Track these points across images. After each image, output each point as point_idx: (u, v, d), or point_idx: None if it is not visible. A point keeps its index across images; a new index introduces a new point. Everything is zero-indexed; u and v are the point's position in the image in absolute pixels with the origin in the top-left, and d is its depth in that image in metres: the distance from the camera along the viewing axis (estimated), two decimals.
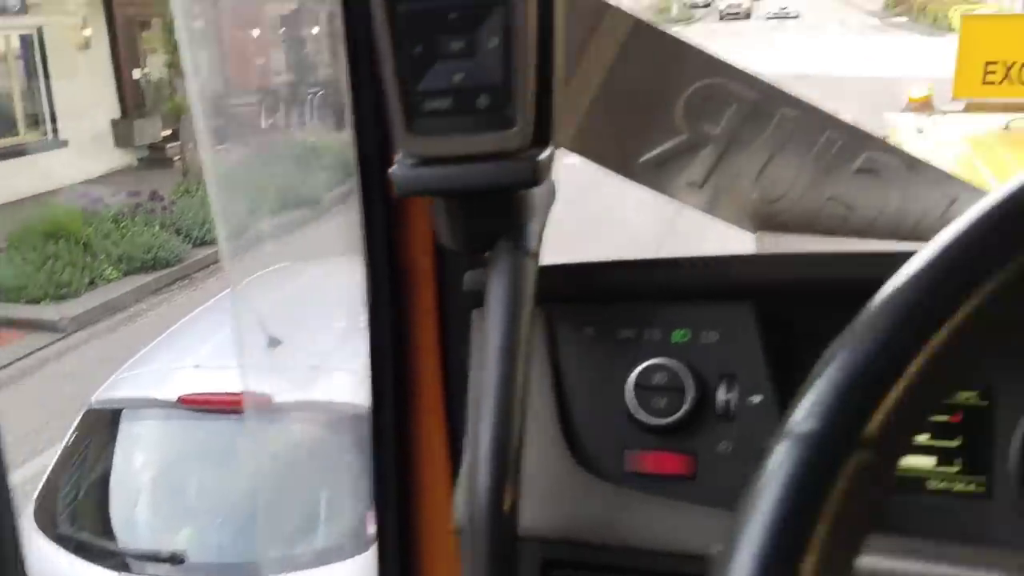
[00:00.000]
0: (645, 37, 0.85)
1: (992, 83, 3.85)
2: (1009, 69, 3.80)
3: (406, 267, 0.80)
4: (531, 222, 0.65)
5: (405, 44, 0.59)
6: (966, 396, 0.78)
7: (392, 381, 0.82)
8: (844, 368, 0.37)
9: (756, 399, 0.79)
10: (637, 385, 0.81)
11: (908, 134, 3.80)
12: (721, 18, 49.63)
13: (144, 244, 9.23)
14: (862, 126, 0.88)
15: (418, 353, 0.82)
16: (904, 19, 39.70)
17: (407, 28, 0.59)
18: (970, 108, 3.97)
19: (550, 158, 0.63)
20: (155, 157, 13.94)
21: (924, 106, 4.12)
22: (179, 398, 3.72)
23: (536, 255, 0.66)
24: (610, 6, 0.83)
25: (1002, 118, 3.91)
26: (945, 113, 4.07)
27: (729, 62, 0.86)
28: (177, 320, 4.88)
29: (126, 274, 9.02)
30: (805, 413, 0.36)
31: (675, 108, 0.85)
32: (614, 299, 0.85)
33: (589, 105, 0.85)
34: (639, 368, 0.82)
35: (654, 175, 0.88)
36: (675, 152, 0.87)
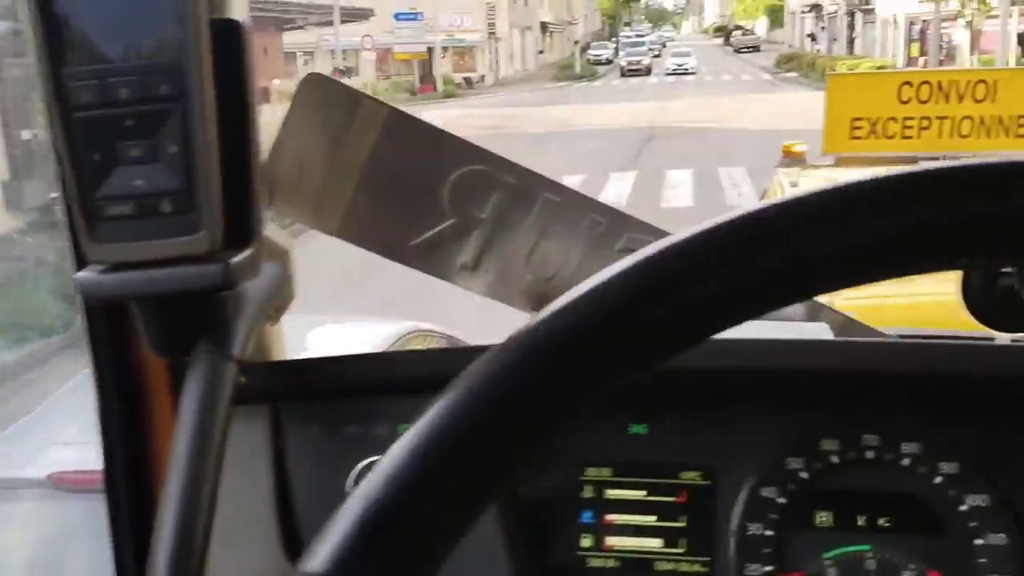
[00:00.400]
0: (402, 126, 0.86)
1: (859, 138, 4.00)
2: (874, 125, 3.96)
3: (139, 370, 0.76)
4: (234, 325, 0.63)
5: (83, 150, 0.58)
6: (690, 476, 0.79)
7: (129, 496, 0.78)
8: (354, 511, 0.36)
9: None
10: (355, 484, 0.79)
11: (786, 187, 3.92)
12: (623, 74, 51.17)
13: (27, 311, 8.87)
14: (621, 208, 0.90)
15: (158, 462, 0.78)
16: (795, 74, 41.52)
17: (84, 134, 0.58)
18: (840, 162, 4.12)
19: (250, 260, 0.61)
20: (44, 220, 13.53)
21: (798, 160, 4.26)
22: (49, 476, 3.54)
23: (238, 359, 0.64)
24: (365, 96, 0.84)
25: (870, 171, 4.06)
26: (817, 167, 4.22)
27: (488, 150, 0.87)
28: (59, 390, 4.68)
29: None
30: (312, 554, 0.36)
31: (440, 193, 0.86)
32: (343, 395, 0.83)
33: (352, 193, 0.86)
34: (360, 466, 0.80)
35: (426, 259, 0.88)
36: (445, 236, 0.87)
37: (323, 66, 34.05)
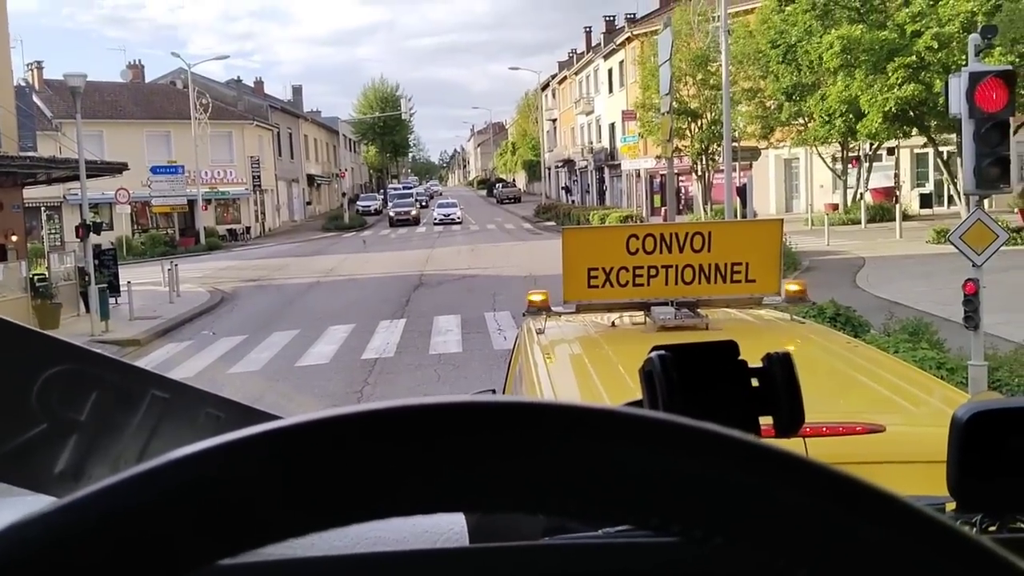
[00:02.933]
0: None
1: (596, 287, 4.19)
2: (608, 273, 4.17)
3: None
4: None
5: None
6: None
7: None
8: None
9: None
10: None
11: (533, 334, 4.01)
12: (392, 224, 52.18)
13: None
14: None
15: None
16: (552, 223, 44.02)
17: None
18: (581, 309, 4.29)
19: None
20: None
21: (542, 308, 4.39)
22: None
23: None
24: None
25: (609, 317, 4.26)
26: (560, 315, 4.36)
27: (86, 348, 0.79)
28: None
29: None
30: None
31: (27, 396, 0.76)
32: None
33: None
34: None
35: (16, 470, 0.77)
36: (35, 443, 0.76)
37: (70, 220, 32.31)
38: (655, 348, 0.65)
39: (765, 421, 0.69)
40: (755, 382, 0.67)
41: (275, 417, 0.86)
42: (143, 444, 0.80)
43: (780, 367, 0.66)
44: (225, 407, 0.81)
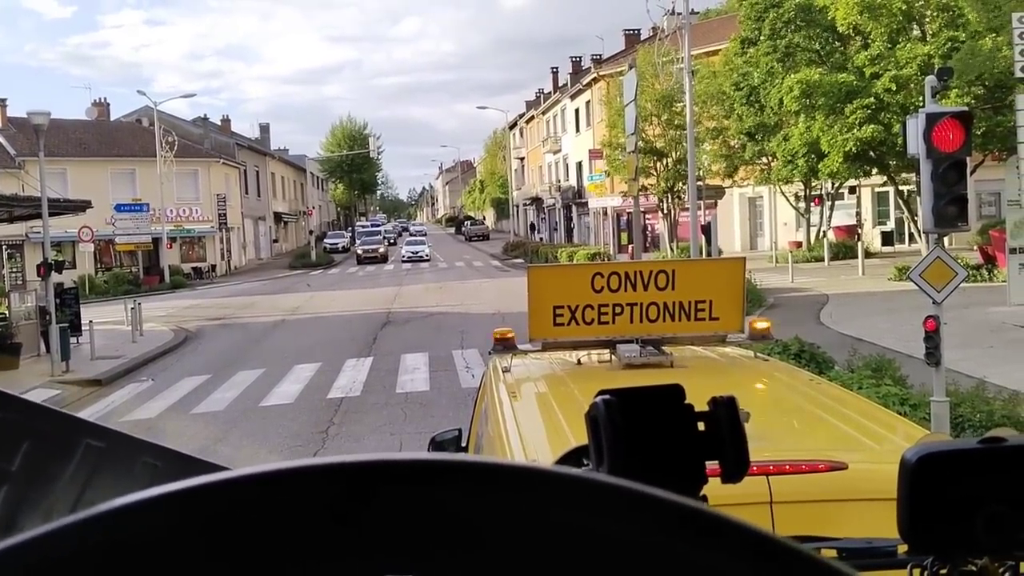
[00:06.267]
0: None
1: (562, 324, 4.18)
2: (574, 312, 4.17)
3: None
4: None
5: None
6: None
7: None
8: None
9: None
10: None
11: (500, 372, 3.99)
12: (360, 262, 52.00)
13: None
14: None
15: None
16: (521, 260, 44.10)
17: None
18: (547, 347, 4.27)
19: None
20: None
21: (509, 345, 4.38)
22: None
23: None
24: None
25: (575, 355, 4.25)
26: (526, 353, 4.35)
27: (16, 396, 0.77)
28: None
29: None
30: None
31: None
32: None
33: None
34: None
35: None
36: None
37: (32, 258, 31.88)
38: (600, 393, 0.64)
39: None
40: (702, 426, 0.66)
41: (212, 466, 0.84)
42: (77, 494, 0.77)
43: (725, 411, 0.65)
44: (162, 456, 0.79)
